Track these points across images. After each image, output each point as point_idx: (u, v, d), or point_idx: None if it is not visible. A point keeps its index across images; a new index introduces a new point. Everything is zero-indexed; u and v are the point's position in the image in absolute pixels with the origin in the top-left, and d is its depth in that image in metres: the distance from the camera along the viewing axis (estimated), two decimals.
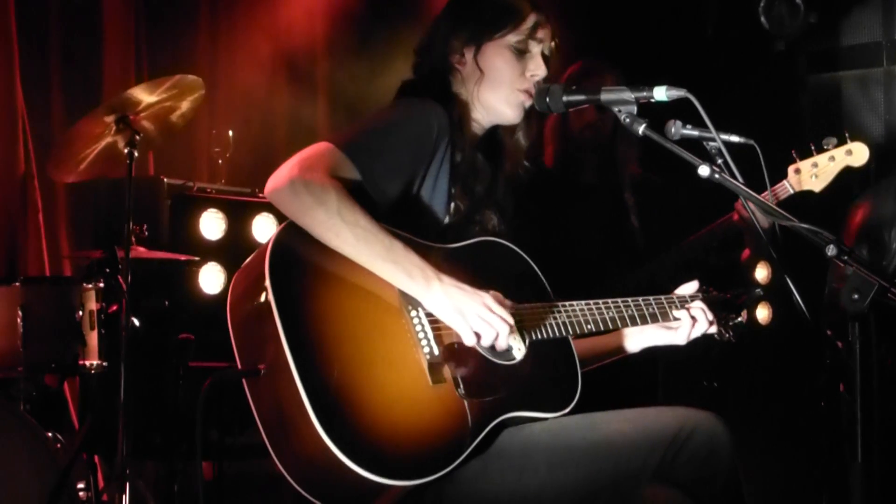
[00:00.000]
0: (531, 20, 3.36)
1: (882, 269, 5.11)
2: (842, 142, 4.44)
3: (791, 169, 4.45)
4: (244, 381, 2.98)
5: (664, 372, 5.02)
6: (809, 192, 4.46)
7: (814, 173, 4.43)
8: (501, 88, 3.35)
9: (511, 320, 3.04)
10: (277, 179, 2.99)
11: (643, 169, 5.09)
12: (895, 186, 5.29)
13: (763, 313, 3.47)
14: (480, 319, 2.99)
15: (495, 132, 3.49)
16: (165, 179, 6.50)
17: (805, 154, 4.47)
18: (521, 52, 3.36)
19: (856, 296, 2.75)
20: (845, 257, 2.77)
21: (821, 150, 4.44)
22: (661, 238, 4.92)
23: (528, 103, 3.37)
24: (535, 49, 3.37)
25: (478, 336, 3.00)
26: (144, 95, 5.10)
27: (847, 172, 4.49)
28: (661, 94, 3.05)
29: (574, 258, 4.61)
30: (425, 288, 2.99)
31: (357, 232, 2.94)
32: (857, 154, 4.45)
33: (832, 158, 4.44)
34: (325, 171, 2.98)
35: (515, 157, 3.51)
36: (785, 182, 4.46)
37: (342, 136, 3.12)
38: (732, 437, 3.03)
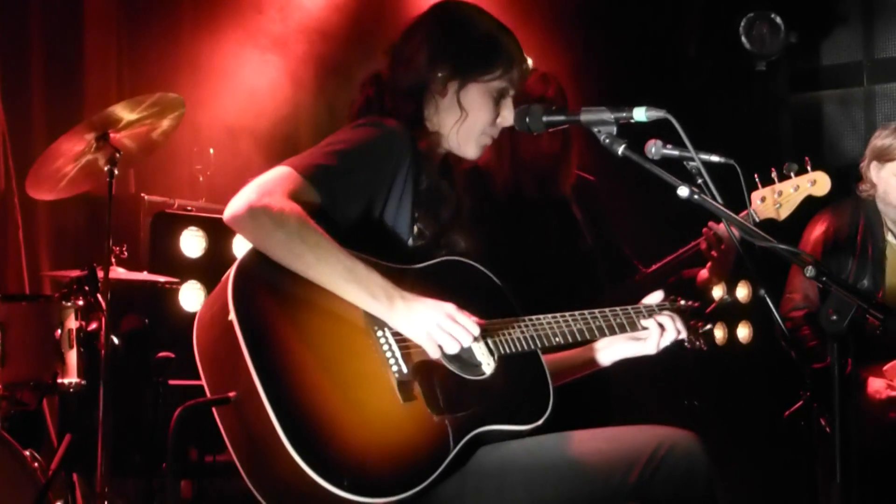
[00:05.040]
0: (519, 70, 3.37)
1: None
2: (802, 169, 4.41)
3: (756, 196, 4.39)
4: (214, 409, 2.96)
5: (617, 387, 4.97)
6: (772, 221, 4.42)
7: (778, 202, 4.40)
8: (474, 130, 3.37)
9: (476, 329, 3.03)
10: (236, 206, 2.96)
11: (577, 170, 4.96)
12: (853, 203, 5.35)
13: (744, 332, 3.45)
14: (442, 331, 2.98)
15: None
16: (146, 197, 6.50)
17: (765, 178, 4.43)
18: (499, 97, 3.37)
19: (834, 317, 2.76)
20: (824, 279, 2.78)
21: (782, 177, 4.40)
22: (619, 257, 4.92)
23: (489, 143, 3.41)
24: (510, 95, 3.38)
25: (441, 348, 2.99)
26: (125, 113, 5.10)
27: (808, 200, 4.47)
28: (640, 114, 3.06)
29: (529, 280, 4.52)
30: (388, 307, 2.98)
31: (318, 253, 2.93)
32: (820, 184, 4.41)
33: (796, 188, 4.39)
34: (285, 195, 2.95)
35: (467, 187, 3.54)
36: (751, 210, 4.39)
37: (301, 159, 3.09)
38: (710, 455, 3.03)
